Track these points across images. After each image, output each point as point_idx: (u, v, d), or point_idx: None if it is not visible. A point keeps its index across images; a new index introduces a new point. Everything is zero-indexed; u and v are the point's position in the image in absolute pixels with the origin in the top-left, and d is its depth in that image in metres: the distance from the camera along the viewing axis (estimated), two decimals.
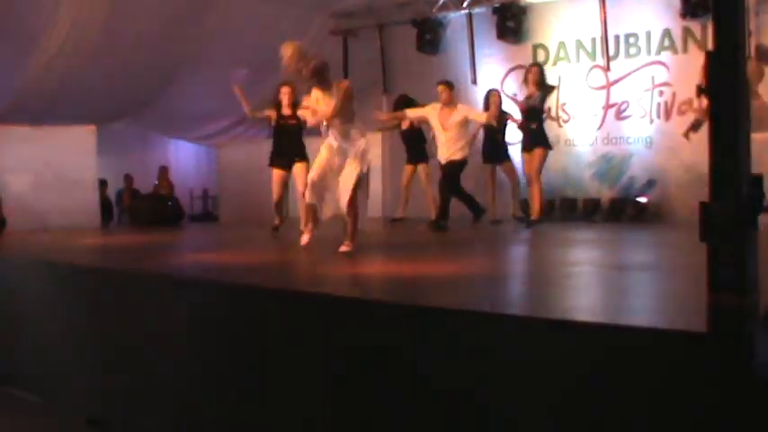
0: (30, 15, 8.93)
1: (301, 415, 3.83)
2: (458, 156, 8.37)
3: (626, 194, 9.82)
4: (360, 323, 3.64)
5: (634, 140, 9.80)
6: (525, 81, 8.75)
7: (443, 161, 8.44)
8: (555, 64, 10.45)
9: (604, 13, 9.78)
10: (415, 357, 3.34)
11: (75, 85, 9.89)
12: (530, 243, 7.54)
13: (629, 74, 9.80)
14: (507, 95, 10.23)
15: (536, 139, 8.44)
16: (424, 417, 3.29)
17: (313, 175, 6.03)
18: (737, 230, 2.93)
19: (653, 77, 9.61)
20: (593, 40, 10.06)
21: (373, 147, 7.67)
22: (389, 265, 5.74)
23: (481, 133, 9.50)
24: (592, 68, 10.22)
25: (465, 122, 8.46)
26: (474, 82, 10.93)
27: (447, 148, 8.39)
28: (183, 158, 15.33)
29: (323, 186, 5.99)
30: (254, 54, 9.32)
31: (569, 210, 10.19)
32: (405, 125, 9.75)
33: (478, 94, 10.76)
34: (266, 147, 8.75)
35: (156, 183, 13.56)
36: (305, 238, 6.44)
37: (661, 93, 9.58)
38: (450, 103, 8.46)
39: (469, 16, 10.80)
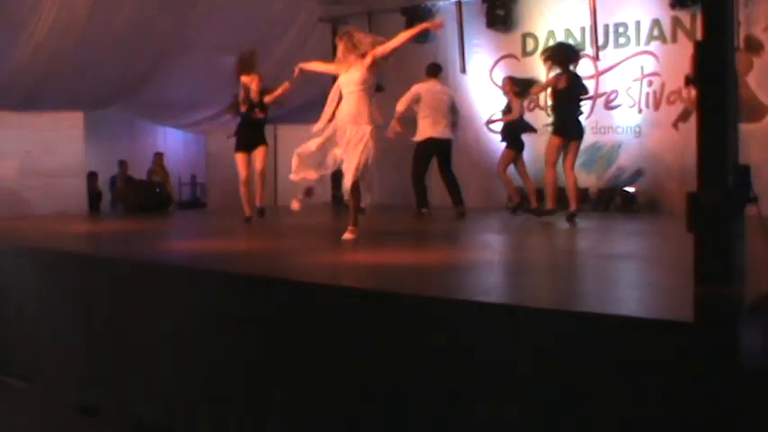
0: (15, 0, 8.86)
1: (289, 399, 3.84)
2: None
3: (614, 184, 9.82)
4: (344, 310, 3.65)
5: (623, 130, 9.79)
6: (506, 95, 9.30)
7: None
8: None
9: (594, 2, 9.76)
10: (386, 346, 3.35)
11: (62, 71, 9.77)
12: (518, 232, 7.55)
13: (618, 63, 9.78)
14: (496, 85, 10.23)
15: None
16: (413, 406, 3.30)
17: (310, 146, 5.91)
18: (724, 220, 2.94)
19: (642, 67, 9.59)
20: (583, 29, 10.03)
21: None
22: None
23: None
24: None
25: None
26: (463, 71, 10.90)
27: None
28: (172, 145, 15.25)
29: (311, 156, 5.88)
30: (243, 40, 9.24)
31: (557, 199, 10.11)
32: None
33: (468, 83, 10.75)
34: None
35: (150, 169, 13.48)
36: (295, 204, 6.19)
37: (650, 83, 9.57)
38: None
39: (459, 5, 10.76)
